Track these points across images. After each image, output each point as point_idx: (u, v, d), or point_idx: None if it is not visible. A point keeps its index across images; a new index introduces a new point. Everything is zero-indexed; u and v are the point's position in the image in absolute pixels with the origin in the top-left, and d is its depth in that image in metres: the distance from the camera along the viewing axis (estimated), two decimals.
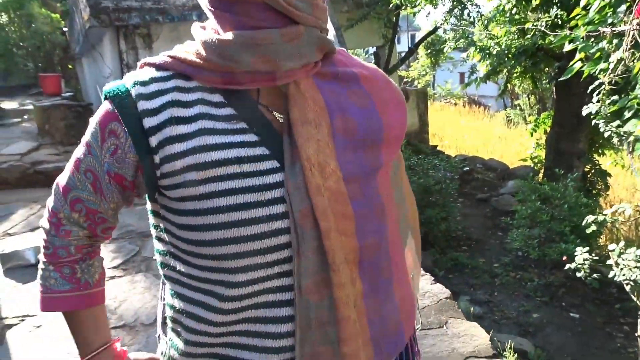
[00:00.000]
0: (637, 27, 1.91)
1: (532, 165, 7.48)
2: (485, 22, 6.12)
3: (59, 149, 5.23)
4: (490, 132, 13.09)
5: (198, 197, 0.61)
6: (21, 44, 9.10)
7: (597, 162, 6.44)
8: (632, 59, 2.06)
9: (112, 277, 3.07)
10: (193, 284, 0.67)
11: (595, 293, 4.10)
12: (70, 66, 9.30)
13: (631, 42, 1.98)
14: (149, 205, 0.72)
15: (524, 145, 9.75)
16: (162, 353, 0.75)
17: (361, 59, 0.79)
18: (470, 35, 6.35)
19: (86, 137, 0.67)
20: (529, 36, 5.78)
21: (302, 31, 0.63)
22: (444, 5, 6.25)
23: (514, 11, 5.35)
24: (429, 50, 14.84)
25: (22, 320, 2.41)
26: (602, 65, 2.27)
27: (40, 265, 0.73)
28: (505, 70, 6.43)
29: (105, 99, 0.65)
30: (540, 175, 6.49)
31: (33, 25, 8.88)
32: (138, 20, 5.27)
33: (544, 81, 7.61)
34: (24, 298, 2.62)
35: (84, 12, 5.40)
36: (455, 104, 18.81)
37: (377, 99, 0.71)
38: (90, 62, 7.88)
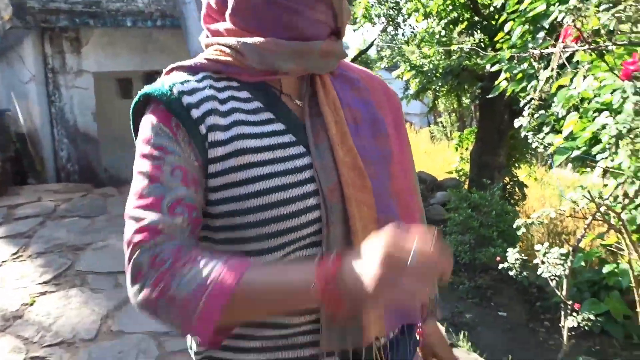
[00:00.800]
0: (564, 49, 2.17)
1: (458, 177, 7.98)
2: (417, 42, 6.50)
3: None
4: (417, 147, 13.74)
5: (237, 182, 0.65)
6: None
7: (515, 174, 7.02)
8: (558, 78, 2.33)
9: (44, 293, 2.86)
10: None
11: (519, 293, 4.45)
12: None
13: (558, 62, 2.24)
14: None
15: (447, 160, 10.36)
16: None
17: None
18: (404, 54, 6.71)
19: (152, 144, 0.65)
20: (454, 57, 6.23)
21: (337, 48, 0.73)
22: (381, 24, 6.57)
23: (442, 33, 5.74)
24: None
25: None
26: (533, 83, 2.53)
27: (158, 310, 0.59)
28: (432, 88, 6.86)
29: (147, 100, 0.67)
30: (466, 186, 6.94)
31: None
32: (67, 23, 4.99)
33: (466, 100, 8.19)
34: None
35: (4, 12, 5.01)
36: None
37: (375, 96, 0.82)
38: (3, 65, 7.28)
